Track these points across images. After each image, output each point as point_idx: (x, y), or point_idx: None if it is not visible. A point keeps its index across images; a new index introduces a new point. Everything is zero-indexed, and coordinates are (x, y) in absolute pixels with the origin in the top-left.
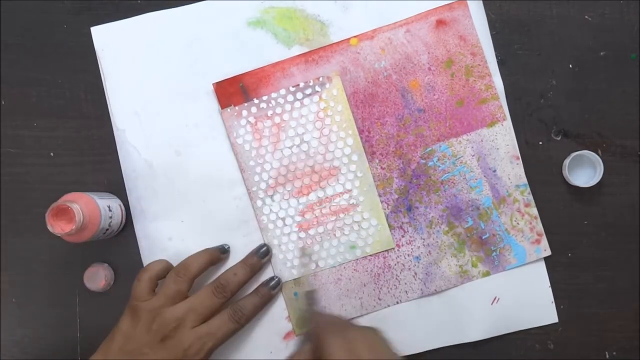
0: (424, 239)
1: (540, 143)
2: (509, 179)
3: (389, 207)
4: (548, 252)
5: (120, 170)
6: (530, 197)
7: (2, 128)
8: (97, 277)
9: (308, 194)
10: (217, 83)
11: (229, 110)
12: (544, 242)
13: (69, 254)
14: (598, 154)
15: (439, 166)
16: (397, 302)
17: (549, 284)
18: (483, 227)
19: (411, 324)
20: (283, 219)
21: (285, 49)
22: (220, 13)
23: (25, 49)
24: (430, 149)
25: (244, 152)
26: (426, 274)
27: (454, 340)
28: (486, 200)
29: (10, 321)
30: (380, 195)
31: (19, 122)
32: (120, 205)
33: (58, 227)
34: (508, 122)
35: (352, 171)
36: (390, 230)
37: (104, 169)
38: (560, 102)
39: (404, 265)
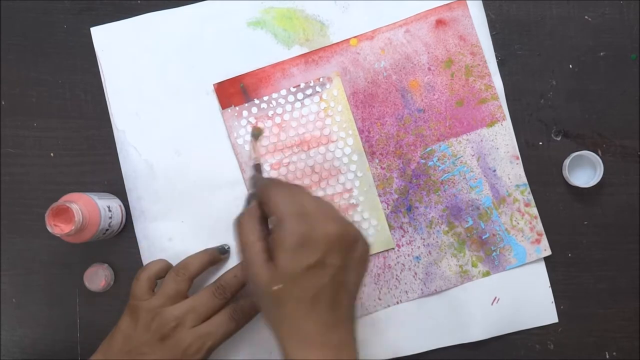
0: (424, 239)
1: (540, 143)
2: (509, 178)
3: (389, 207)
4: (548, 252)
5: (120, 171)
6: (530, 197)
7: (2, 128)
8: (97, 277)
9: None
10: (217, 83)
11: (229, 110)
12: (544, 242)
13: (69, 254)
14: (598, 154)
15: (439, 166)
16: (398, 302)
17: (549, 284)
18: (483, 227)
19: (411, 324)
20: None
21: (285, 49)
22: (220, 13)
23: (25, 49)
24: (430, 149)
25: (244, 152)
26: (426, 274)
27: (454, 340)
28: (486, 200)
29: (10, 321)
30: (380, 195)
31: (19, 122)
32: (120, 206)
33: (58, 227)
34: (508, 122)
35: (352, 171)
36: (390, 230)
37: (104, 169)
38: (560, 102)
39: (404, 265)
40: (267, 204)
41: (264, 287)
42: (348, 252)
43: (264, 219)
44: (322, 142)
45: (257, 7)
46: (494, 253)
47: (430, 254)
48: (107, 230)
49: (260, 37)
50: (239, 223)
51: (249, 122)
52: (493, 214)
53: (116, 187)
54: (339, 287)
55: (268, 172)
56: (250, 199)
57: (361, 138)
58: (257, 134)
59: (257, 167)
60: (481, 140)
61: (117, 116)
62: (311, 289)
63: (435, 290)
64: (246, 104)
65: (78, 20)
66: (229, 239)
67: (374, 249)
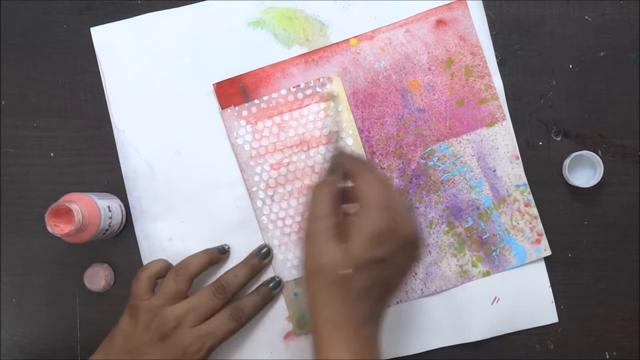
0: (424, 239)
1: (540, 143)
2: (509, 178)
3: None
4: (548, 252)
5: (120, 171)
6: (530, 197)
7: (2, 128)
8: (97, 277)
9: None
10: (217, 83)
11: (229, 110)
12: (544, 242)
13: (69, 254)
14: (598, 154)
15: (439, 166)
16: (398, 302)
17: (549, 284)
18: (483, 227)
19: (411, 324)
20: (283, 219)
21: (285, 49)
22: (220, 13)
23: (25, 49)
24: (430, 149)
25: (244, 152)
26: (426, 274)
27: (454, 340)
28: (486, 200)
29: (10, 321)
30: None
31: (19, 122)
32: (120, 206)
33: (58, 227)
34: (508, 122)
35: None
36: None
37: (104, 169)
38: (560, 102)
39: None
40: (354, 184)
41: (327, 266)
42: (412, 256)
43: (340, 194)
44: (322, 142)
45: (257, 7)
46: (494, 253)
47: (430, 254)
48: (107, 230)
49: (260, 37)
50: (315, 190)
51: (248, 122)
52: (493, 214)
53: (116, 187)
54: (389, 286)
55: (268, 172)
56: (332, 169)
57: (361, 138)
58: (336, 100)
59: (335, 135)
60: (481, 140)
61: (117, 116)
62: (371, 281)
63: (436, 290)
64: (246, 104)
65: (78, 20)
66: (229, 238)
67: None
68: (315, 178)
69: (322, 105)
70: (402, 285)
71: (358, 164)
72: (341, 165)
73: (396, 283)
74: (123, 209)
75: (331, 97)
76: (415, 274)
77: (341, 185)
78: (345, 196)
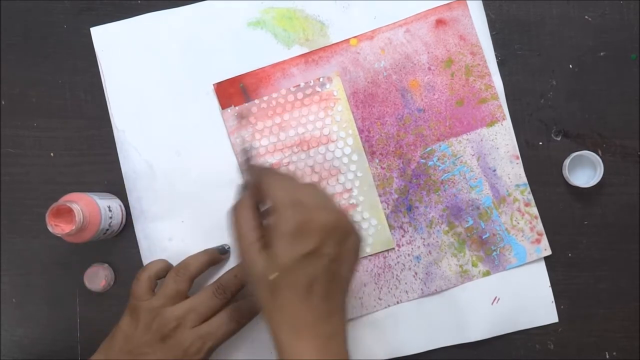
0: (424, 239)
1: (540, 143)
2: (509, 178)
3: (389, 207)
4: (548, 252)
5: (120, 171)
6: (530, 196)
7: (2, 128)
8: (97, 277)
9: None
10: (217, 83)
11: (229, 110)
12: (544, 241)
13: (69, 254)
14: (598, 154)
15: (439, 166)
16: (398, 302)
17: (549, 284)
18: (483, 227)
19: (411, 324)
20: None
21: (285, 49)
22: (220, 13)
23: (25, 49)
24: (430, 148)
25: (244, 152)
26: (426, 273)
27: (454, 340)
28: (486, 200)
29: (10, 321)
30: (380, 195)
31: (19, 122)
32: (120, 206)
33: (58, 227)
34: (508, 122)
35: (352, 171)
36: (391, 230)
37: (104, 169)
38: (560, 102)
39: (404, 265)
40: (262, 191)
41: (260, 276)
42: (342, 242)
43: (257, 207)
44: (322, 142)
45: (257, 7)
46: (494, 253)
47: (430, 253)
48: (107, 230)
49: (260, 37)
50: (233, 212)
51: (248, 122)
52: (493, 213)
53: (116, 187)
54: (332, 277)
55: None
56: (243, 187)
57: (361, 138)
58: (244, 114)
59: (246, 152)
60: (481, 140)
61: (117, 116)
62: (306, 277)
63: (436, 290)
64: (246, 104)
65: (78, 20)
66: (229, 238)
67: (374, 249)
68: (316, 178)
69: (323, 105)
70: (352, 272)
71: (261, 172)
72: (251, 181)
73: (342, 272)
74: (123, 209)
75: (241, 116)
76: (416, 273)
77: (254, 199)
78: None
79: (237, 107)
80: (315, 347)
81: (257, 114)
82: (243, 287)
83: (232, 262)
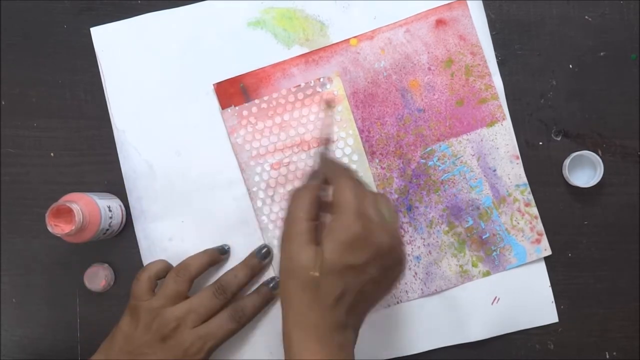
0: (424, 239)
1: (540, 143)
2: (509, 178)
3: None
4: (548, 252)
5: (120, 171)
6: (531, 196)
7: (2, 128)
8: (97, 277)
9: None
10: (217, 83)
11: (229, 110)
12: (544, 241)
13: (69, 254)
14: (598, 154)
15: (439, 166)
16: (398, 302)
17: (549, 284)
18: (483, 227)
19: (411, 324)
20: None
21: (285, 49)
22: (220, 13)
23: (25, 49)
24: (430, 148)
25: (244, 152)
26: (426, 273)
27: (454, 340)
28: (486, 200)
29: (10, 321)
30: None
31: (19, 122)
32: (120, 206)
33: (58, 227)
34: (508, 122)
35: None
36: None
37: (104, 169)
38: (560, 102)
39: None
40: (333, 190)
41: (300, 268)
42: (388, 268)
43: (319, 200)
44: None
45: (257, 7)
46: (494, 253)
47: (430, 253)
48: (107, 230)
49: (260, 37)
50: (295, 194)
51: (249, 122)
52: (493, 213)
53: (116, 187)
54: (364, 295)
55: (268, 172)
56: (314, 175)
57: (361, 138)
58: (332, 105)
59: (327, 142)
60: (481, 140)
61: (117, 116)
62: (340, 288)
63: (436, 290)
64: (246, 104)
65: (78, 20)
66: (229, 238)
67: None
68: None
69: (323, 105)
70: (382, 299)
71: (337, 170)
72: (322, 172)
73: (374, 294)
74: (123, 209)
75: (329, 105)
76: (416, 273)
77: (323, 193)
78: (327, 206)
79: (323, 95)
80: (325, 353)
81: (257, 114)
82: (243, 287)
83: (232, 262)
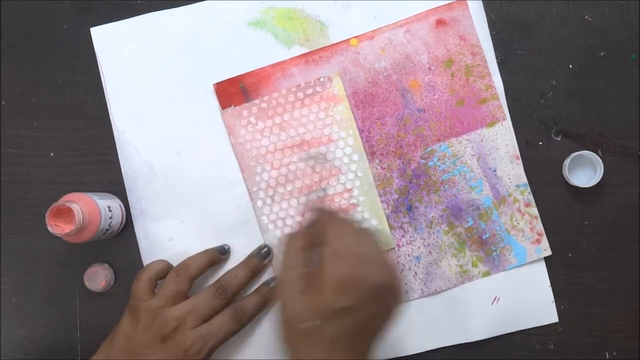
0: (424, 239)
1: (540, 143)
2: (509, 178)
3: (389, 207)
4: (548, 252)
5: (120, 171)
6: (531, 196)
7: (2, 128)
8: (97, 277)
9: (308, 194)
10: (217, 83)
11: (229, 110)
12: (544, 241)
13: (69, 254)
14: (598, 154)
15: (439, 166)
16: None
17: (549, 284)
18: (483, 227)
19: (411, 324)
20: (283, 219)
21: (285, 49)
22: (220, 13)
23: (25, 49)
24: (430, 148)
25: (244, 152)
26: (426, 274)
27: (454, 340)
28: (486, 200)
29: (10, 321)
30: (380, 195)
31: (19, 122)
32: (120, 206)
33: (58, 227)
34: (508, 122)
35: (353, 171)
36: (391, 230)
37: (104, 169)
38: (560, 102)
39: (404, 265)
40: (323, 234)
41: (294, 320)
42: (383, 301)
43: (310, 245)
44: (322, 142)
45: (257, 7)
46: (494, 253)
47: (430, 254)
48: (107, 230)
49: (260, 37)
50: (289, 240)
51: (249, 122)
52: (493, 214)
53: (116, 187)
54: (362, 331)
55: (268, 172)
56: (310, 224)
57: (361, 138)
58: (321, 159)
59: (320, 195)
60: (481, 140)
61: (117, 116)
62: (336, 331)
63: (436, 290)
64: (246, 104)
65: (78, 20)
66: (229, 238)
67: None
68: (316, 178)
69: (323, 105)
70: (384, 328)
71: (330, 215)
72: (316, 219)
73: (371, 327)
74: (123, 209)
75: (316, 157)
76: (416, 274)
77: (317, 239)
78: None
79: (251, 123)
80: None
81: (257, 114)
82: (243, 287)
83: (232, 262)
